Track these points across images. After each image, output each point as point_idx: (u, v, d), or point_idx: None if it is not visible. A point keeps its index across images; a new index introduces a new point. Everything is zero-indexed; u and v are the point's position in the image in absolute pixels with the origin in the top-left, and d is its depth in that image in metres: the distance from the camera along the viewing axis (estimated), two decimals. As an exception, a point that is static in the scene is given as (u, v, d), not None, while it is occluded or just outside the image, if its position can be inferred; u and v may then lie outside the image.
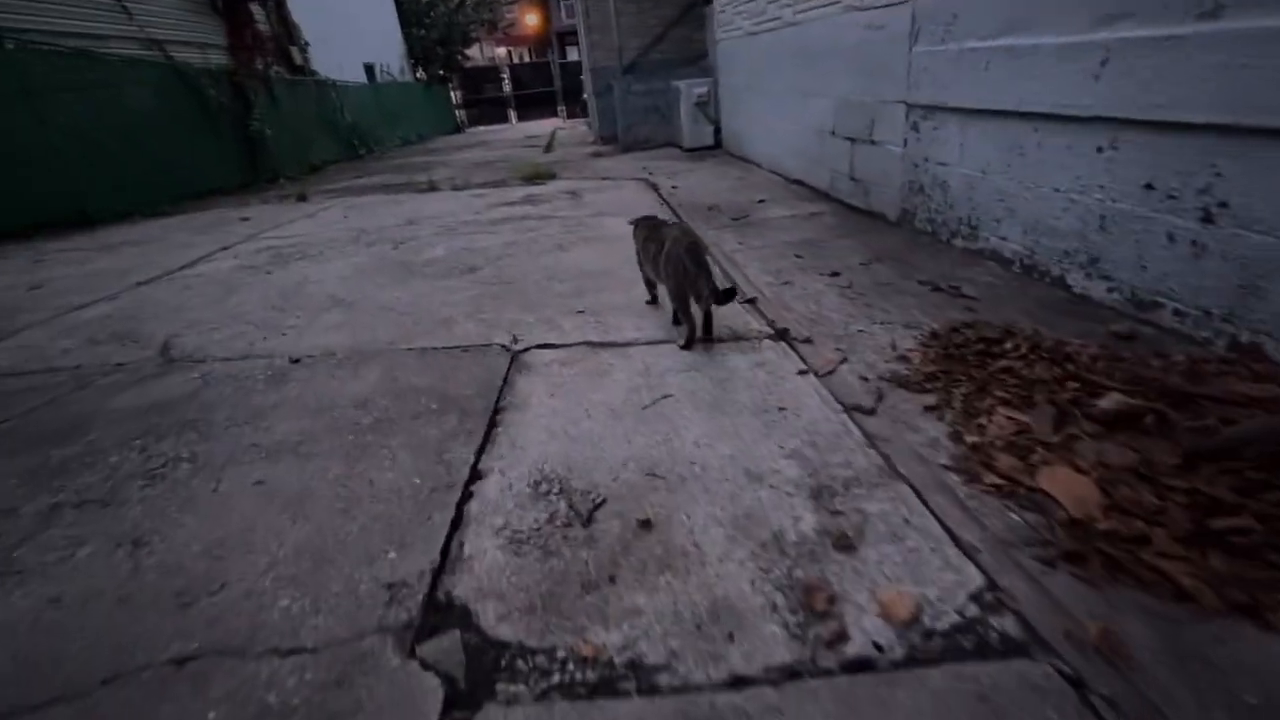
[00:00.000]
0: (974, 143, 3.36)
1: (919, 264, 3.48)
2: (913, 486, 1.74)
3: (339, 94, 13.94)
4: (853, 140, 4.75)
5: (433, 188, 7.95)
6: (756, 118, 7.02)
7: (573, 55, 25.10)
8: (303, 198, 7.89)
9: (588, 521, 1.67)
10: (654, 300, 3.16)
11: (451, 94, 22.59)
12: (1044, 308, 2.75)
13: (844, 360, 2.49)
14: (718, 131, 9.04)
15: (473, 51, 24.71)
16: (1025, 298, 2.88)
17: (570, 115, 23.11)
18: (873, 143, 4.45)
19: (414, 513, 1.72)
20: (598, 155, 10.52)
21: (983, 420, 1.98)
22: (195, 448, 2.12)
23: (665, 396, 2.28)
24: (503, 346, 2.81)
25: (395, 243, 4.97)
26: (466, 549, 1.59)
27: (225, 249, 5.21)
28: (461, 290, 3.63)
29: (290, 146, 11.44)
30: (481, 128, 22.93)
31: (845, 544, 1.56)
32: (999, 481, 1.72)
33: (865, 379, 2.34)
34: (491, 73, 24.23)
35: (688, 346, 2.66)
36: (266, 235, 5.75)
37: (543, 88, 23.75)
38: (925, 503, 1.67)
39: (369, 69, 17.68)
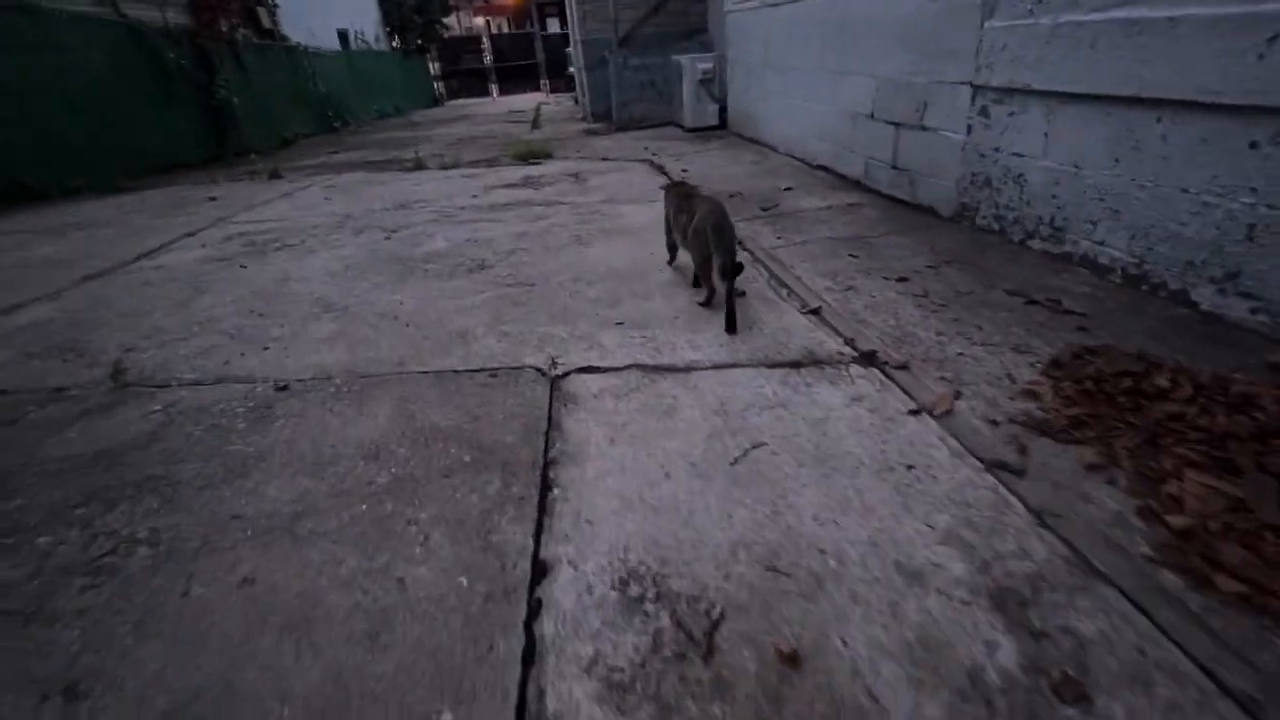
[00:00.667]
0: (1066, 132, 2.92)
1: (995, 269, 3.06)
2: (1124, 593, 1.32)
3: (311, 62, 12.99)
4: (897, 125, 4.28)
5: (420, 166, 7.29)
6: (773, 97, 6.50)
7: (552, 27, 24.06)
8: (276, 175, 7.17)
9: (708, 651, 1.22)
10: (673, 260, 3.34)
11: (430, 65, 21.48)
12: (1172, 330, 2.34)
13: (958, 395, 2.06)
14: (723, 111, 8.49)
15: (450, 21, 23.52)
16: (1143, 316, 2.47)
17: (554, 90, 22.20)
18: (923, 128, 3.99)
19: (467, 639, 1.24)
20: (591, 133, 9.90)
21: (1172, 488, 1.57)
22: (157, 521, 1.60)
23: (757, 446, 1.82)
24: (538, 370, 2.32)
25: (387, 231, 4.39)
26: (550, 703, 1.13)
27: (191, 235, 4.57)
28: (474, 293, 3.11)
29: (260, 118, 10.57)
30: (461, 101, 21.90)
31: (1074, 692, 1.13)
32: (1239, 589, 1.30)
33: (994, 422, 1.91)
34: (471, 43, 23.09)
35: (706, 303, 2.82)
36: (238, 219, 5.09)
37: (524, 60, 22.73)
38: (1154, 621, 1.25)
39: (343, 35, 16.60)
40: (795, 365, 2.29)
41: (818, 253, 3.53)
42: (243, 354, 2.53)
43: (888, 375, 2.21)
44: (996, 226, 3.47)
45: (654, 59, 9.76)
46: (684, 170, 6.16)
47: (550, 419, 1.99)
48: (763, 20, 6.49)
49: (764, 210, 4.53)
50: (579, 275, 3.30)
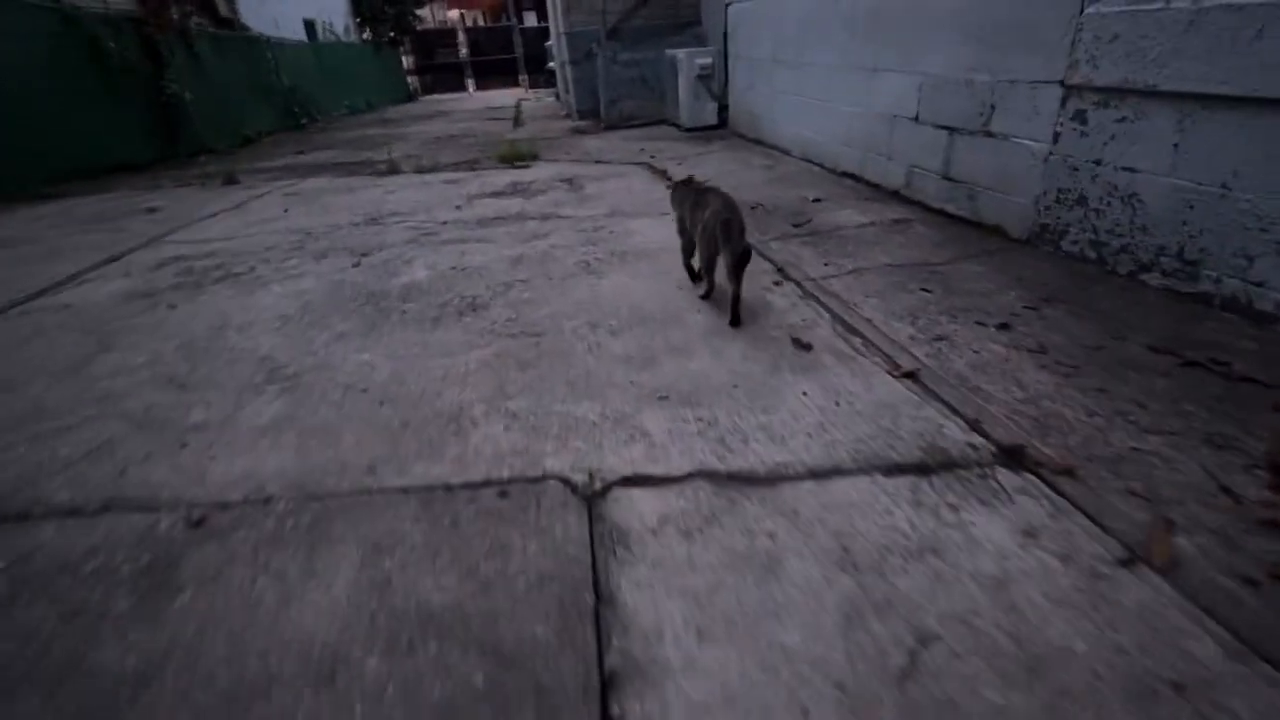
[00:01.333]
0: (1209, 144, 2.32)
1: (1115, 313, 2.45)
2: None
3: (275, 53, 11.99)
4: (951, 130, 3.67)
5: (394, 170, 6.50)
6: (784, 96, 5.85)
7: (529, 20, 23.13)
8: (231, 180, 6.32)
9: None
10: (689, 262, 3.06)
11: (403, 59, 20.43)
12: (1407, 411, 1.75)
13: (1170, 525, 1.44)
14: (722, 110, 7.83)
15: (424, 14, 22.44)
16: (1354, 387, 1.88)
17: (533, 85, 21.31)
18: (988, 134, 3.38)
19: None
20: (579, 132, 9.16)
21: None
22: None
23: (926, 642, 1.17)
24: (566, 483, 1.64)
25: (356, 254, 3.65)
26: None
27: (115, 260, 3.76)
28: (467, 348, 2.41)
29: (217, 114, 9.61)
30: (437, 96, 20.88)
31: None
32: None
33: (1251, 581, 1.29)
34: (446, 36, 22.06)
35: (706, 296, 2.75)
36: (177, 237, 4.28)
37: (502, 54, 21.78)
38: None
39: (309, 26, 15.54)
40: (922, 470, 1.65)
41: (880, 285, 2.89)
42: (148, 455, 1.79)
43: (1053, 487, 1.57)
44: (1093, 254, 2.87)
45: (645, 53, 9.05)
46: (689, 174, 5.48)
47: (597, 585, 1.32)
48: (773, 11, 5.83)
49: (796, 227, 3.88)
50: (596, 318, 2.62)
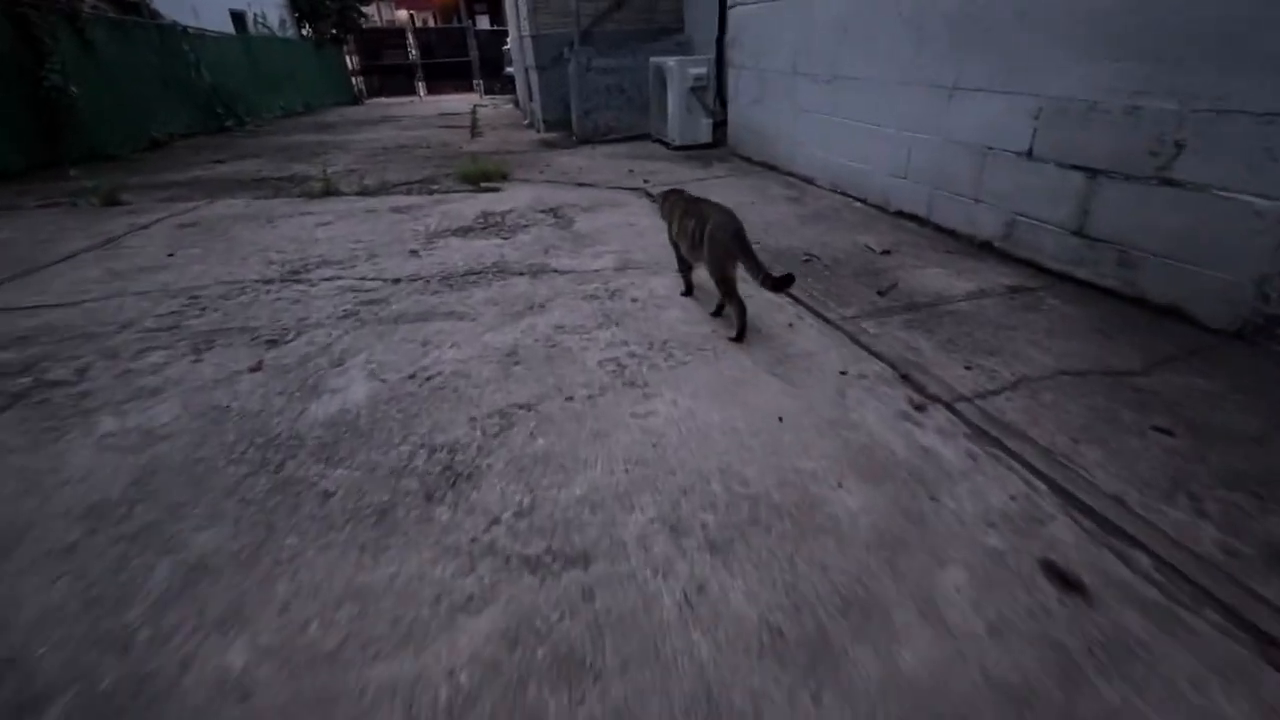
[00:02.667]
0: None
1: None
2: None
3: (194, 46, 10.22)
4: (1091, 172, 2.67)
5: (330, 190, 5.12)
6: (810, 115, 4.80)
7: (483, 22, 21.58)
8: (113, 200, 4.79)
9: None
10: (688, 285, 2.76)
11: (347, 58, 18.54)
12: None
13: None
14: (718, 127, 6.75)
15: (370, 11, 20.57)
16: None
17: (488, 91, 19.78)
18: (1168, 182, 2.39)
19: None
20: (549, 145, 7.92)
21: None
22: None
23: None
24: None
25: (259, 342, 2.35)
26: None
27: None
28: (448, 621, 1.19)
29: (116, 113, 7.90)
30: (384, 99, 19.07)
31: None
32: None
33: None
34: (394, 36, 20.21)
35: (738, 339, 2.34)
36: (-6, 298, 2.86)
37: (455, 57, 20.13)
38: None
39: (238, 17, 13.65)
40: None
41: (1080, 418, 1.84)
42: None
43: None
44: (1383, 371, 1.90)
45: (622, 60, 7.89)
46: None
47: None
48: (795, 15, 4.78)
49: (881, 295, 2.81)
50: (673, 510, 1.45)
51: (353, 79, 18.60)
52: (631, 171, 5.79)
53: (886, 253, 3.35)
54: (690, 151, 6.69)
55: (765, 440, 1.73)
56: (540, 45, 8.80)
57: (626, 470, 1.59)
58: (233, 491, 1.50)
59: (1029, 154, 2.96)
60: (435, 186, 5.43)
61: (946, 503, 1.52)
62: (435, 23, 26.02)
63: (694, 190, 4.71)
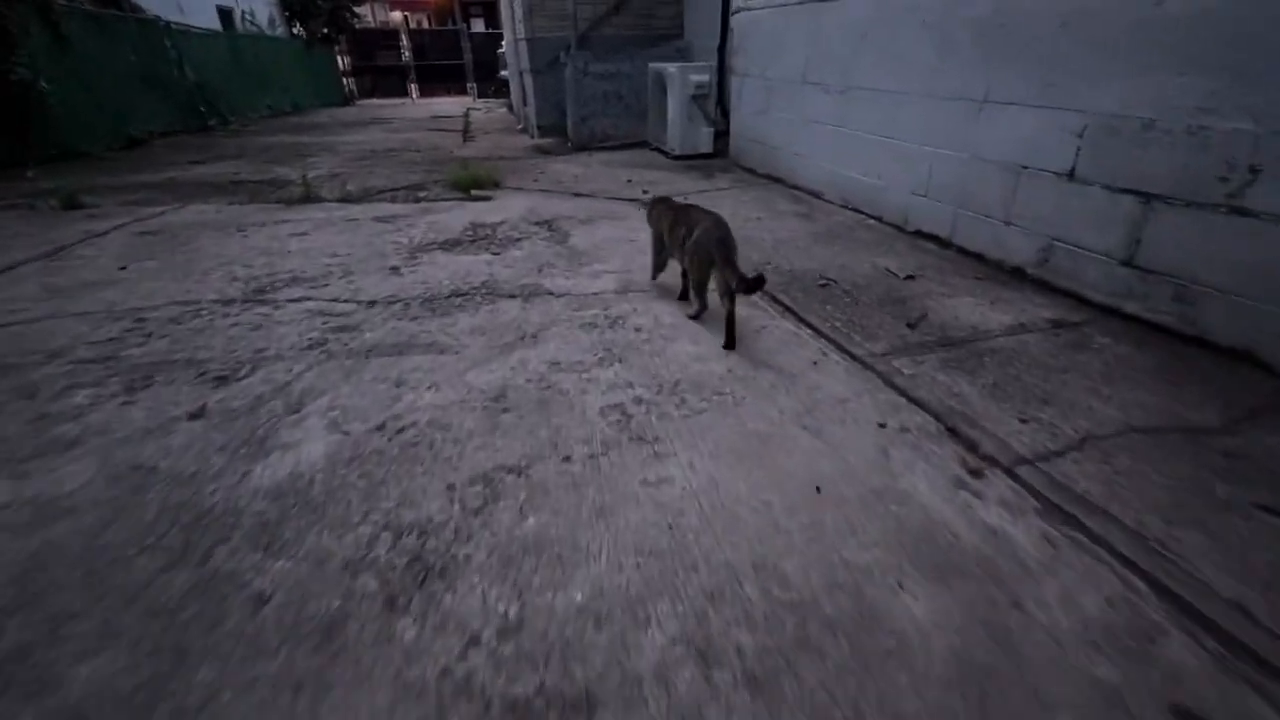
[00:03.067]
0: None
1: None
2: None
3: (177, 42, 9.82)
4: (1147, 197, 2.40)
5: (310, 197, 4.77)
6: (820, 126, 4.52)
7: (478, 25, 21.24)
8: (73, 203, 4.42)
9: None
10: (655, 278, 2.88)
11: (339, 59, 18.14)
12: None
13: None
14: (719, 136, 6.47)
15: (364, 11, 20.17)
16: None
17: (482, 94, 19.45)
18: (1239, 211, 2.12)
19: None
20: (543, 152, 7.61)
21: None
22: None
23: None
24: None
25: (205, 380, 2.01)
26: None
27: None
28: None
29: (92, 110, 7.52)
30: (375, 100, 18.68)
31: None
32: None
33: None
34: (388, 37, 19.82)
35: (696, 317, 2.50)
36: (-87, 315, 2.50)
37: (449, 60, 19.78)
38: None
39: (225, 15, 13.24)
40: None
41: (1167, 492, 1.56)
42: None
43: None
44: None
45: (620, 65, 7.61)
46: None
47: None
48: (807, 21, 4.51)
49: (911, 327, 2.53)
50: (703, 638, 1.12)
51: (344, 80, 18.20)
52: (630, 181, 5.49)
53: (910, 278, 3.07)
54: (690, 161, 6.41)
55: (804, 520, 1.42)
56: (536, 48, 8.50)
57: (638, 564, 1.28)
58: (139, 596, 1.17)
59: (1070, 175, 2.69)
60: (423, 194, 5.10)
61: (1034, 612, 1.22)
62: (430, 24, 25.65)
63: (698, 201, 4.44)
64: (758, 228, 3.99)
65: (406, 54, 19.84)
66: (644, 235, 3.81)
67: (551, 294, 2.82)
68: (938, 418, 1.90)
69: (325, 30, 16.95)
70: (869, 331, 2.49)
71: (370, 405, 1.83)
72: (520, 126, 10.61)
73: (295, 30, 16.23)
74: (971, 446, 1.78)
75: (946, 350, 2.33)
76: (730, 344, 2.29)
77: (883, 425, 1.86)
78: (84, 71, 7.51)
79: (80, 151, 7.15)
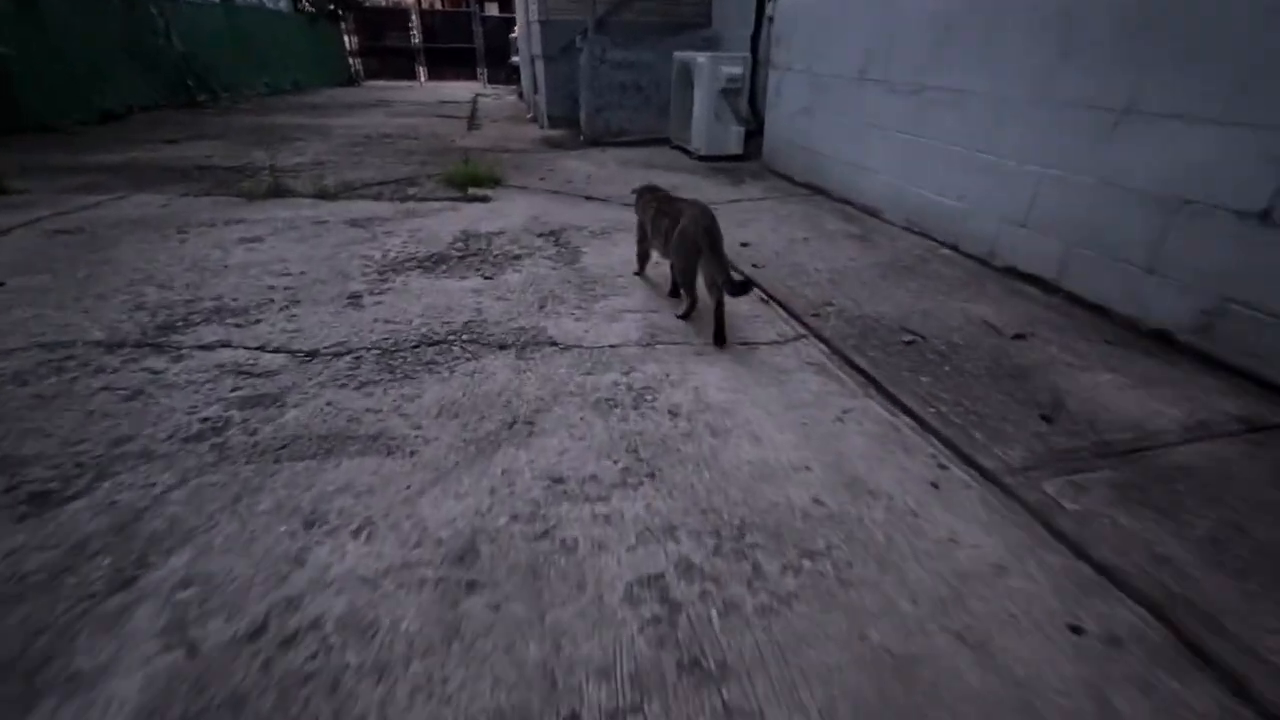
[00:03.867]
0: None
1: None
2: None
3: (164, 10, 9.00)
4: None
5: (279, 189, 4.02)
6: (884, 132, 3.76)
7: (490, 10, 20.30)
8: (-3, 188, 3.68)
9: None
10: (641, 271, 2.72)
11: (345, 37, 17.25)
12: None
13: None
14: (750, 136, 5.71)
15: (374, -11, 19.24)
16: None
17: (492, 80, 18.59)
18: None
19: None
20: (553, 145, 6.84)
21: None
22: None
23: None
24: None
25: (11, 496, 1.29)
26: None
27: None
28: None
29: (61, 79, 6.75)
30: (381, 83, 17.80)
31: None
32: None
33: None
34: (398, 17, 18.92)
35: (685, 316, 2.31)
36: None
37: (460, 43, 18.88)
38: None
39: (224, -15, 12.35)
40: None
41: None
42: None
43: None
44: None
45: (640, 54, 6.83)
46: (743, 245, 3.34)
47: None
48: (872, 8, 3.73)
49: (1047, 421, 1.80)
50: None
51: (350, 59, 17.33)
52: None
53: (1020, 336, 2.33)
54: (717, 163, 5.65)
55: None
56: (549, 32, 7.70)
57: None
58: None
59: (1264, 216, 1.95)
60: (413, 190, 4.35)
61: None
62: (442, 6, 24.66)
63: (728, 213, 3.68)
64: (806, 252, 3.25)
65: (416, 36, 18.94)
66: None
67: (556, 345, 2.10)
68: (1157, 614, 1.18)
69: (332, 6, 16.07)
70: (992, 426, 1.76)
71: (254, 575, 1.11)
72: (530, 116, 9.83)
73: (300, 5, 15.34)
74: (1238, 682, 1.06)
75: (1112, 465, 1.61)
76: (720, 340, 2.15)
77: (1077, 629, 1.14)
78: (54, 38, 6.72)
79: (45, 125, 6.40)
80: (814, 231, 3.64)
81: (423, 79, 18.85)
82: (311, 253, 2.87)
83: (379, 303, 2.34)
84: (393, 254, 2.92)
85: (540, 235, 3.40)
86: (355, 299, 2.36)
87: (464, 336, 2.11)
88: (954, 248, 3.27)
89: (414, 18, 19.29)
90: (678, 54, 6.10)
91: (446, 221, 3.56)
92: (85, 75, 7.17)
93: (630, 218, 2.90)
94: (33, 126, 6.30)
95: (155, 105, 8.48)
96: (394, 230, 3.33)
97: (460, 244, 3.16)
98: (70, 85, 6.91)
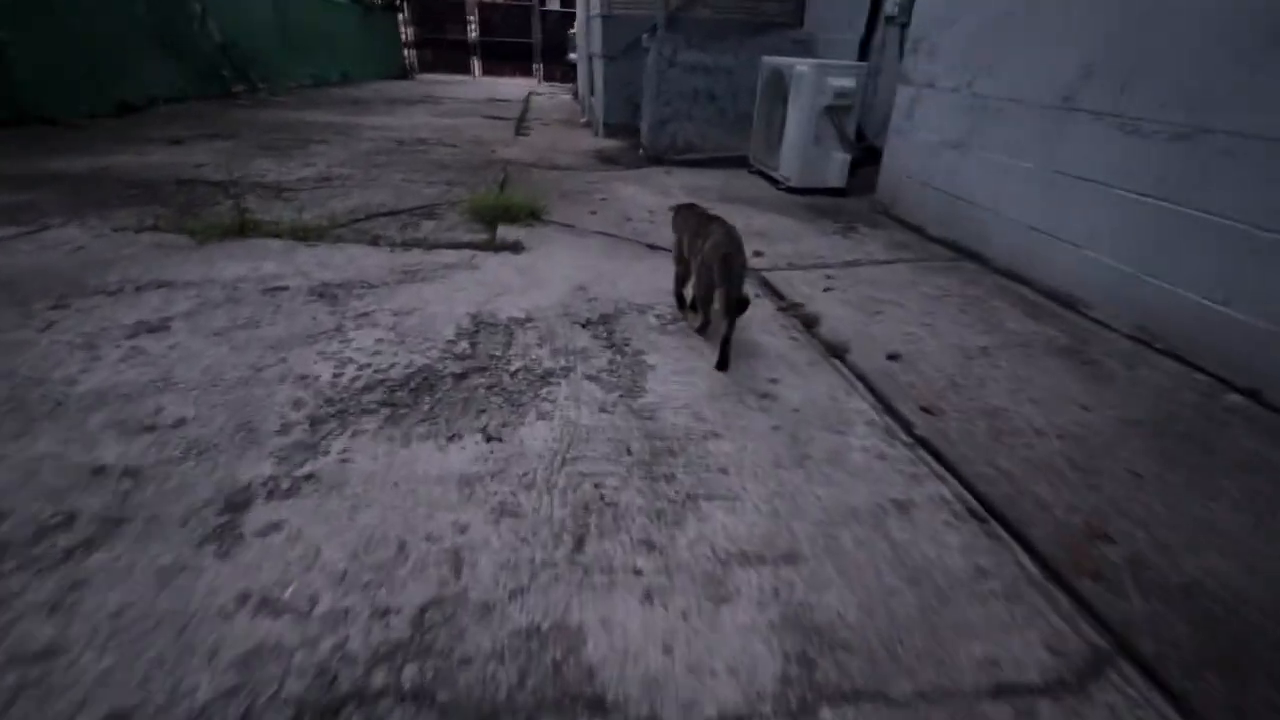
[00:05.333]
0: None
1: None
2: None
3: (203, -6, 8.18)
4: None
5: (242, 229, 2.95)
6: (1101, 188, 2.44)
7: (551, 4, 19.23)
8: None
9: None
10: (680, 290, 2.41)
11: (401, 29, 16.47)
12: None
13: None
14: (858, 165, 4.42)
15: (435, -20, 18.38)
16: None
17: (548, 77, 17.56)
18: None
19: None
20: (607, 161, 5.68)
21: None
22: None
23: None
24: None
25: None
26: None
27: None
28: None
29: (71, 67, 5.94)
30: (434, 76, 16.97)
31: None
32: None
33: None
34: (456, 10, 18.05)
35: (701, 330, 2.22)
36: None
37: (517, 38, 17.90)
38: None
39: (277, -30, 11.58)
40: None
41: None
42: None
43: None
44: None
45: (721, 57, 5.58)
46: (889, 357, 2.10)
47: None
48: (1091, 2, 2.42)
49: None
50: None
51: (405, 51, 16.53)
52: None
53: None
54: (811, 198, 4.38)
55: None
56: (611, 28, 6.52)
57: None
58: None
59: None
60: (427, 226, 3.26)
61: None
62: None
63: (850, 291, 2.43)
64: (999, 382, 1.99)
65: (474, 30, 18.03)
66: (817, 391, 1.87)
67: (608, 707, 0.92)
68: None
69: (389, -4, 15.26)
70: None
71: None
72: (584, 120, 8.69)
73: (357, -6, 14.53)
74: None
75: None
76: (723, 365, 1.97)
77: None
78: (66, 24, 5.89)
79: (47, 117, 5.58)
80: (993, 333, 2.37)
81: (477, 74, 17.95)
82: (226, 366, 1.76)
83: (276, 526, 1.20)
84: (352, 370, 1.79)
85: (585, 324, 2.24)
86: (236, 513, 1.23)
87: (406, 678, 0.95)
88: (1250, 393, 1.95)
89: (473, 12, 18.37)
90: (767, 59, 4.84)
91: (456, 291, 2.43)
92: (103, 64, 6.34)
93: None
94: (34, 119, 5.49)
95: (183, 97, 7.66)
96: (374, 310, 2.21)
97: (465, 344, 2.02)
98: (84, 75, 6.08)
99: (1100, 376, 2.08)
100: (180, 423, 1.48)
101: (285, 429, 1.50)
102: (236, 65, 8.64)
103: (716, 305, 2.05)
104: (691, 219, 2.31)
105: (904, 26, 4.22)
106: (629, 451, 1.55)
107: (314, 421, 1.54)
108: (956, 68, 3.22)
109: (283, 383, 1.69)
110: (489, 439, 1.54)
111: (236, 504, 1.24)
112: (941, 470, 1.61)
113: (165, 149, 4.89)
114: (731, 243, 2.05)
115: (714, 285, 2.03)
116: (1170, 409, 1.90)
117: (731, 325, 2.00)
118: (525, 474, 1.43)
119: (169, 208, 3.28)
